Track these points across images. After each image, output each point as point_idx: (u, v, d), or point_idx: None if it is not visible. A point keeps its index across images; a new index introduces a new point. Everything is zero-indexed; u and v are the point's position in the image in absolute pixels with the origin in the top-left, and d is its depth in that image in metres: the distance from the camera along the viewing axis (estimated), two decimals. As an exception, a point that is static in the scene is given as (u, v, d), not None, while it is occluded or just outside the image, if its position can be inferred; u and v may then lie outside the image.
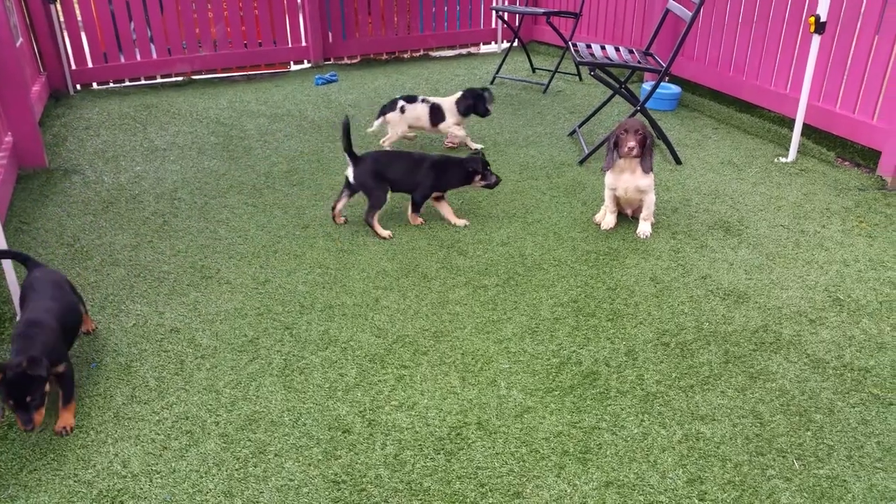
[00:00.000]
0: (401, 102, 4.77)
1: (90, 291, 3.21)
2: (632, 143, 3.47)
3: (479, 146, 4.89)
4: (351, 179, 3.70)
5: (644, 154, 3.52)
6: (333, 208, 3.83)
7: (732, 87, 5.55)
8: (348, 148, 3.62)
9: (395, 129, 4.81)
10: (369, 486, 2.15)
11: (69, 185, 4.38)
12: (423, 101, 4.80)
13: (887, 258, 3.42)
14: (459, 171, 3.77)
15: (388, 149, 4.70)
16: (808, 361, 2.69)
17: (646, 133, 3.51)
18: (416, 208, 3.82)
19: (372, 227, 3.69)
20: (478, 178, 3.78)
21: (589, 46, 4.93)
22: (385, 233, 3.68)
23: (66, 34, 6.26)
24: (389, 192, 3.71)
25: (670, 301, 3.09)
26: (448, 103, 4.80)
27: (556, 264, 3.41)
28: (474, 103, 4.74)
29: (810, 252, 3.49)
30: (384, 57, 7.81)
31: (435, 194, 3.82)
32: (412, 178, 3.74)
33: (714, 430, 2.36)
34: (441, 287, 3.23)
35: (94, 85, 6.64)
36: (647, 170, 3.54)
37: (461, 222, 3.81)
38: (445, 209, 3.85)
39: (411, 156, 3.80)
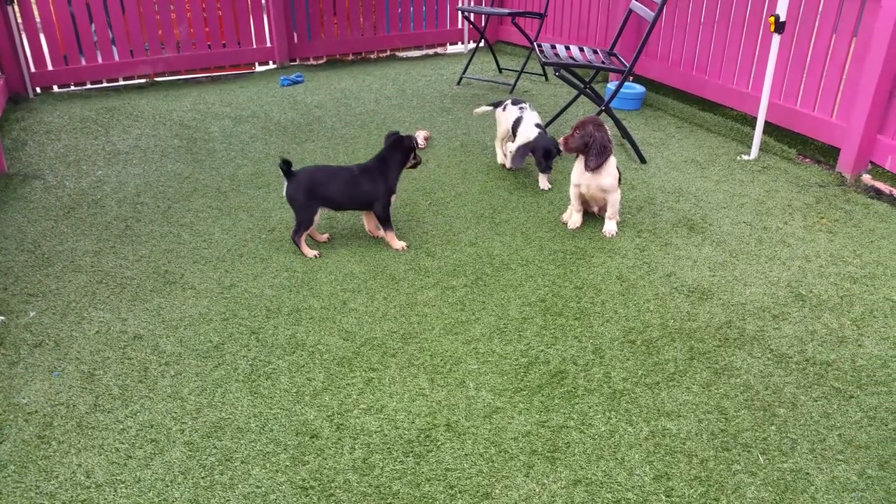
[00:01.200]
0: (508, 101, 4.52)
1: (52, 298, 3.15)
2: (560, 140, 3.62)
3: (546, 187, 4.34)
4: (283, 193, 3.47)
5: (588, 153, 3.53)
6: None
7: (696, 87, 5.62)
8: (284, 164, 3.40)
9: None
10: (338, 490, 2.14)
11: (29, 191, 4.29)
12: (517, 105, 4.45)
13: (847, 253, 3.49)
14: (398, 153, 3.52)
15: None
16: (772, 356, 2.73)
17: (590, 132, 3.51)
18: (386, 224, 3.54)
19: (298, 246, 3.49)
20: (412, 155, 3.57)
21: (554, 47, 4.96)
22: (311, 252, 3.49)
23: (24, 36, 6.12)
24: (320, 213, 3.46)
25: (636, 299, 3.12)
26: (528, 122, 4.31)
27: (524, 264, 3.42)
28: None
29: (773, 248, 3.55)
30: (350, 57, 7.77)
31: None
32: (360, 192, 3.49)
33: (680, 426, 2.38)
34: (409, 288, 3.23)
35: (55, 88, 6.50)
36: (588, 168, 3.55)
37: (399, 244, 3.60)
38: (373, 221, 3.67)
39: (350, 170, 3.52)
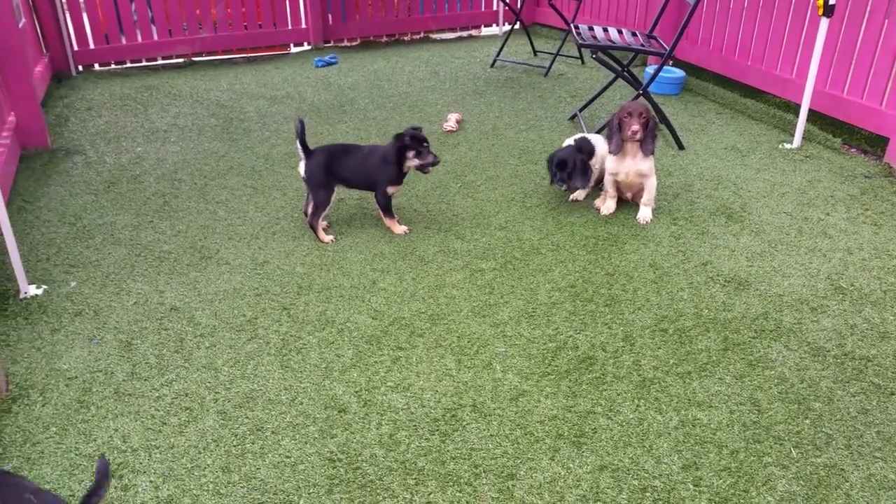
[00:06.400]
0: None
1: (92, 270, 3.21)
2: (636, 127, 3.44)
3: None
4: (301, 173, 3.43)
5: (646, 137, 3.49)
6: (305, 213, 3.54)
7: (737, 72, 5.50)
8: (303, 140, 3.34)
9: None
10: (364, 464, 2.15)
11: (71, 166, 4.37)
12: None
13: (892, 247, 3.39)
14: (396, 151, 3.39)
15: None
16: (809, 349, 2.68)
17: (648, 116, 3.48)
18: (386, 212, 3.50)
19: (315, 230, 3.44)
20: (411, 153, 3.39)
21: (591, 29, 4.88)
22: (328, 238, 3.45)
23: (68, 15, 6.21)
24: (336, 193, 3.43)
25: (669, 287, 3.07)
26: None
27: (555, 249, 3.39)
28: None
29: (813, 240, 3.46)
30: (384, 39, 7.76)
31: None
32: (365, 175, 3.44)
33: (711, 416, 2.35)
34: (438, 270, 3.22)
35: (96, 66, 6.61)
36: (647, 153, 3.52)
37: (401, 229, 3.54)
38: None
39: (363, 150, 3.48)
